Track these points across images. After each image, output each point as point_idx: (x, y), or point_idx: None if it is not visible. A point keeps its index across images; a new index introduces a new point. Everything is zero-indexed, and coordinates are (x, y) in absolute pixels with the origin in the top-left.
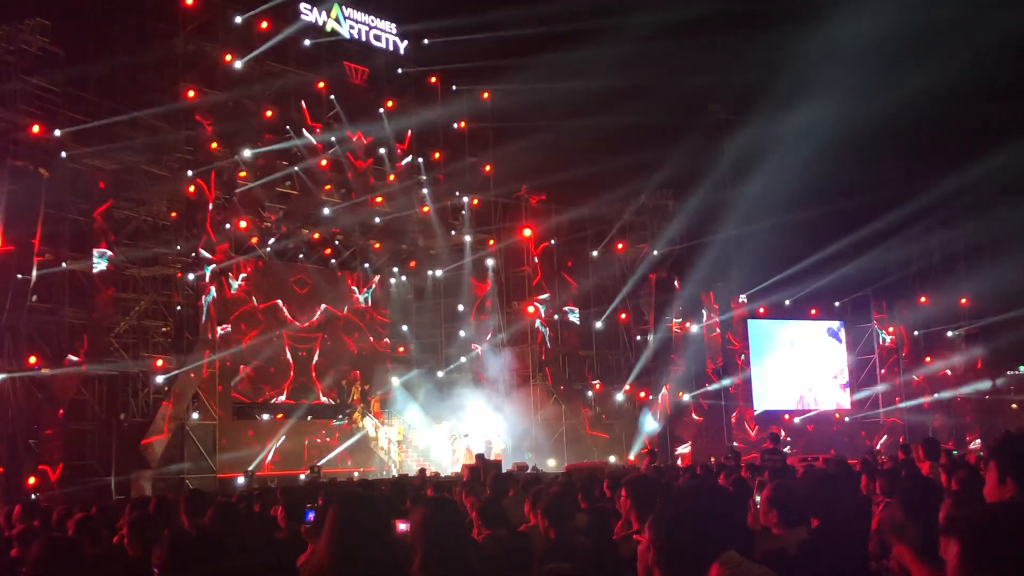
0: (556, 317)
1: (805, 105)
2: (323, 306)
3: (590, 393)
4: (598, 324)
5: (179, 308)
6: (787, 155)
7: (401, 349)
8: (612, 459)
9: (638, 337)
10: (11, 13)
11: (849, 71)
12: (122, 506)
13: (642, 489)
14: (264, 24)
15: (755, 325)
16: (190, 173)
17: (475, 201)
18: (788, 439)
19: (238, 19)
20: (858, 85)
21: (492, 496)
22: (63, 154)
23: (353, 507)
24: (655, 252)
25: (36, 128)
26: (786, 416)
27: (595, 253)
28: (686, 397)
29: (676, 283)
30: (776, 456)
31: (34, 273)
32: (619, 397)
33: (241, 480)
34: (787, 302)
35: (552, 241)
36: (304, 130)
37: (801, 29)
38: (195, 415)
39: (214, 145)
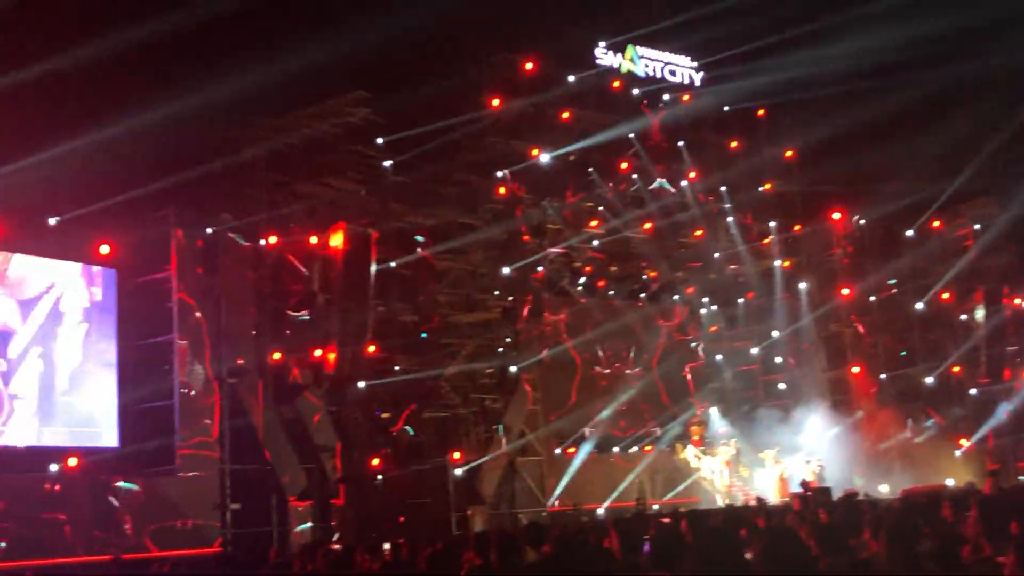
0: (872, 299)
1: None
2: (635, 340)
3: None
4: (919, 305)
5: (500, 350)
6: None
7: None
8: (950, 482)
9: (963, 317)
10: (334, 89)
11: None
12: (464, 541)
13: (994, 510)
14: (570, 77)
15: None
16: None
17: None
18: None
19: (570, 78)
20: None
21: (830, 522)
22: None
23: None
24: (976, 226)
25: (363, 192)
26: None
27: (910, 232)
28: None
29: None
30: None
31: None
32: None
33: (571, 513)
34: None
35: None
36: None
37: None
38: (523, 452)
39: (523, 194)
